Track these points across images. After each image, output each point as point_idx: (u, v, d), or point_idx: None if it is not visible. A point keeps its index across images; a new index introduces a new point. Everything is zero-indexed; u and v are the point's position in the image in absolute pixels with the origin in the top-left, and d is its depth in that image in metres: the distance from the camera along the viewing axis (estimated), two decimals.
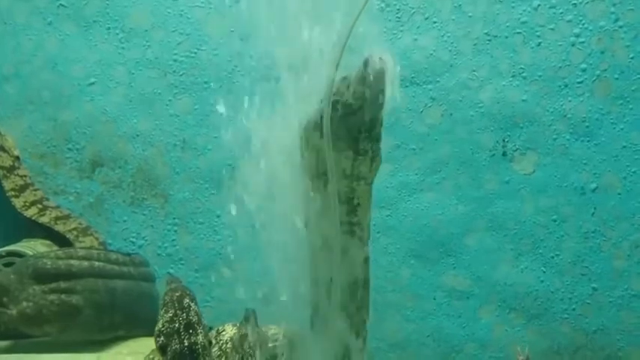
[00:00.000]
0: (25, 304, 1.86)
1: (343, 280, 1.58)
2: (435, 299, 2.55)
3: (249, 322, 1.70)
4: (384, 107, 1.53)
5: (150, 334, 1.57)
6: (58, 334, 1.94)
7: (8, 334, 2.01)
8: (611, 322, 2.50)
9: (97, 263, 2.01)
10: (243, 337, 1.63)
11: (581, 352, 2.50)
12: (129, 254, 2.23)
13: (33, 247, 2.35)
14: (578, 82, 2.53)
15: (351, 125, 1.50)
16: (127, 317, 2.07)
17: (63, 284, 1.90)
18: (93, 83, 2.60)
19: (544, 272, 2.53)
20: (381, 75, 1.48)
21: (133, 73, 2.60)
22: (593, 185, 2.52)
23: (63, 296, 1.89)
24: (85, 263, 1.97)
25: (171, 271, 2.54)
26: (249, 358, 1.56)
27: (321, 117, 1.49)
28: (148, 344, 1.80)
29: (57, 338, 1.96)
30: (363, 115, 1.49)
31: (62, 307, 1.88)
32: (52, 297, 1.88)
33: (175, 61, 2.60)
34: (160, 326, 1.55)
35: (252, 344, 1.60)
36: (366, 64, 1.47)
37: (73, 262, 1.95)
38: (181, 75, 2.60)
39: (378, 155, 1.55)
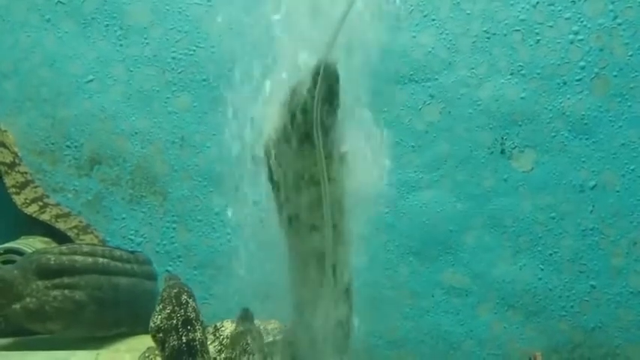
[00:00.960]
0: (28, 299, 1.88)
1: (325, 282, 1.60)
2: (433, 296, 2.59)
3: (245, 320, 1.73)
4: (339, 110, 1.54)
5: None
6: (62, 330, 1.96)
7: (12, 331, 2.04)
8: (609, 320, 2.54)
9: (101, 260, 2.03)
10: (240, 334, 1.66)
11: (579, 350, 2.53)
12: (133, 252, 2.25)
13: (31, 244, 2.37)
14: (577, 80, 2.56)
15: (310, 127, 1.51)
16: (130, 314, 2.09)
17: (66, 280, 1.92)
18: (91, 80, 2.63)
19: (542, 270, 2.56)
20: (334, 78, 1.49)
21: (132, 71, 2.63)
22: (592, 183, 2.55)
23: (66, 292, 1.91)
24: (89, 259, 1.99)
25: (170, 268, 2.58)
26: (247, 354, 1.58)
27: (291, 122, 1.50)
28: (147, 341, 1.82)
29: (60, 334, 1.99)
30: (321, 117, 1.50)
31: (65, 303, 1.90)
32: (56, 293, 1.90)
33: (174, 58, 2.63)
34: (158, 322, 1.57)
35: (249, 340, 1.62)
36: (318, 68, 1.48)
37: (76, 257, 1.97)
38: (180, 72, 2.63)
39: (345, 157, 1.56)
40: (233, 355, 1.58)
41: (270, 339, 1.78)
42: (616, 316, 2.53)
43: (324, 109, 1.51)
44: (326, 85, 1.49)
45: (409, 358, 2.56)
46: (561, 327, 2.55)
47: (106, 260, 2.04)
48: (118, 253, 2.14)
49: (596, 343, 2.54)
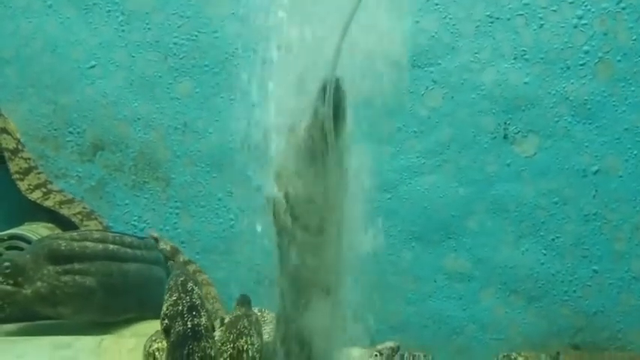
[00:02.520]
0: (39, 284, 1.94)
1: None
2: (435, 281, 2.62)
3: (243, 305, 1.78)
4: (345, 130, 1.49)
5: (159, 316, 1.63)
6: (72, 315, 2.02)
7: (17, 316, 2.08)
8: (612, 304, 2.57)
9: (111, 246, 2.08)
10: (237, 318, 1.69)
11: (581, 334, 2.57)
12: (142, 238, 2.28)
13: (35, 230, 2.42)
14: (581, 65, 2.57)
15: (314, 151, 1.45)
16: (139, 300, 2.14)
17: (77, 266, 1.98)
18: (93, 66, 2.66)
19: (545, 254, 2.59)
20: (341, 98, 1.44)
21: (134, 56, 2.66)
22: (595, 168, 2.57)
23: (77, 278, 1.97)
24: (100, 246, 2.04)
25: None
26: (245, 336, 1.61)
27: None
28: (153, 326, 1.86)
29: (70, 319, 2.04)
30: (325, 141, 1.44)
31: (76, 289, 1.96)
32: (66, 278, 1.96)
33: (176, 44, 2.66)
34: (165, 310, 1.60)
35: (246, 324, 1.66)
36: (324, 89, 1.43)
37: (87, 244, 2.02)
38: (182, 58, 2.66)
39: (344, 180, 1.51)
40: (230, 338, 1.61)
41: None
42: (618, 301, 2.56)
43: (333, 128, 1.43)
44: (334, 102, 1.43)
45: (411, 342, 2.59)
46: (563, 312, 2.58)
47: (116, 247, 2.09)
48: (128, 239, 2.18)
49: (598, 327, 2.57)
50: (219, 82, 2.65)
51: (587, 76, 2.58)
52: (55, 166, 2.66)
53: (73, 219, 2.52)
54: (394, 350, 1.72)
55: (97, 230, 2.29)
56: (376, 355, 1.67)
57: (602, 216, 2.58)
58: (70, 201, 2.58)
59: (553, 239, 2.60)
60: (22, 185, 2.52)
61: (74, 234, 2.07)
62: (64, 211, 2.53)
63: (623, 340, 2.56)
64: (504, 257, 2.61)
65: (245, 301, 1.83)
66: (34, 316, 2.08)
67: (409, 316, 2.62)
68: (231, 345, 1.60)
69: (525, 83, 2.60)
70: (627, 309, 2.56)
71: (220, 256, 2.64)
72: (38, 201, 2.52)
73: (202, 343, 1.53)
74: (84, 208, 2.59)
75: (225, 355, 1.59)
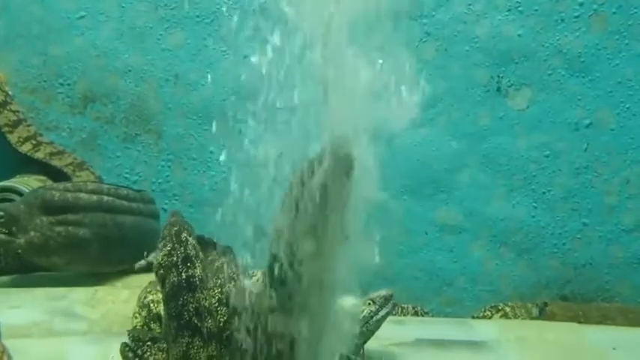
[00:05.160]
0: (32, 234, 1.94)
1: None
2: (427, 234, 2.62)
3: (225, 254, 1.78)
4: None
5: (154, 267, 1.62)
6: (66, 265, 2.02)
7: (12, 269, 2.07)
8: (600, 257, 2.58)
9: (106, 198, 2.06)
10: (223, 265, 1.68)
11: (569, 286, 2.59)
12: (138, 190, 2.26)
13: (27, 182, 2.40)
14: (575, 17, 2.54)
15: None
16: (135, 252, 2.12)
17: (71, 217, 1.97)
18: (83, 17, 2.62)
19: (535, 208, 2.59)
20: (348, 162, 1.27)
21: (124, 7, 2.61)
22: (587, 121, 2.56)
23: (70, 228, 1.96)
24: (94, 197, 2.03)
25: (166, 207, 2.60)
26: (232, 281, 1.60)
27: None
28: (145, 279, 1.85)
29: (65, 269, 2.03)
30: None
31: (69, 239, 1.95)
32: (60, 229, 1.95)
33: None
34: (159, 260, 1.59)
35: (233, 268, 1.64)
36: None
37: (81, 195, 2.01)
38: (172, 9, 2.61)
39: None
40: (218, 283, 1.60)
41: None
42: (607, 253, 2.58)
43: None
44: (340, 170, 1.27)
45: (403, 294, 2.60)
46: (552, 264, 2.59)
47: (110, 198, 2.08)
48: (124, 191, 2.16)
49: (586, 279, 2.59)
50: (210, 34, 2.60)
51: (581, 28, 2.55)
52: (45, 119, 2.62)
53: (65, 170, 2.51)
54: (387, 299, 1.71)
55: (91, 182, 2.27)
56: (369, 304, 1.66)
57: (593, 169, 2.58)
58: (61, 152, 2.56)
59: (544, 192, 2.60)
60: (12, 138, 2.50)
61: (68, 185, 2.06)
62: (55, 162, 2.51)
63: (611, 291, 2.58)
64: (495, 210, 2.61)
65: (227, 251, 1.83)
66: (30, 269, 2.08)
67: (401, 268, 2.63)
68: (219, 290, 1.59)
69: (519, 36, 2.56)
70: (615, 261, 2.58)
71: (213, 209, 2.62)
72: (29, 153, 2.50)
73: (197, 294, 1.51)
74: (75, 159, 2.57)
75: (213, 300, 1.58)
